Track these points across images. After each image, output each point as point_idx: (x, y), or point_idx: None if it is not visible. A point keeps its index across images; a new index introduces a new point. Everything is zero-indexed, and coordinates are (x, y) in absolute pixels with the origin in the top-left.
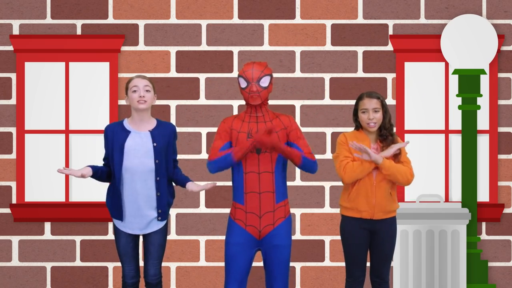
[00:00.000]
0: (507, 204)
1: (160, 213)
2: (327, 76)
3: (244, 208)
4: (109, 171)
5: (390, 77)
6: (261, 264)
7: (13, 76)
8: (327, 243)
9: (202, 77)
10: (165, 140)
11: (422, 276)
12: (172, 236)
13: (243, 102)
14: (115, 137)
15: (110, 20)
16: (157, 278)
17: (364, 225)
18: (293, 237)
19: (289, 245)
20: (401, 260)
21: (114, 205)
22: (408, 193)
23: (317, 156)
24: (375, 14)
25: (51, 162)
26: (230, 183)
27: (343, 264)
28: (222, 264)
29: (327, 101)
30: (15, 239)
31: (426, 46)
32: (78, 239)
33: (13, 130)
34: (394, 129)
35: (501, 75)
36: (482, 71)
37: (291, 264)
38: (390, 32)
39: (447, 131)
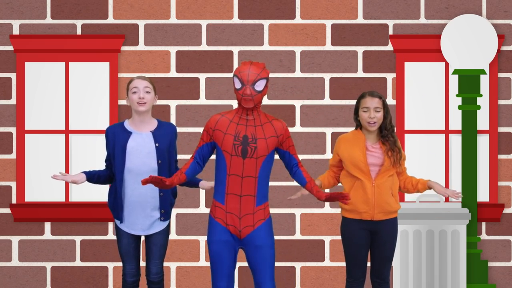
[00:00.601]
0: (507, 204)
1: (163, 213)
2: (327, 76)
3: (224, 208)
4: (109, 173)
5: (390, 77)
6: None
7: (13, 76)
8: (327, 243)
9: (202, 77)
10: (167, 140)
11: (422, 276)
12: (172, 236)
13: None
14: (116, 138)
15: (110, 20)
16: (159, 276)
17: (365, 226)
18: (293, 237)
19: (272, 245)
20: (401, 260)
21: (115, 206)
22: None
23: (317, 156)
24: (375, 14)
25: (51, 162)
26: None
27: (343, 264)
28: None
29: (327, 101)
30: (15, 239)
31: (426, 46)
32: (78, 239)
33: (13, 130)
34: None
35: (501, 75)
36: (482, 71)
37: (291, 264)
38: (390, 32)
39: (447, 131)
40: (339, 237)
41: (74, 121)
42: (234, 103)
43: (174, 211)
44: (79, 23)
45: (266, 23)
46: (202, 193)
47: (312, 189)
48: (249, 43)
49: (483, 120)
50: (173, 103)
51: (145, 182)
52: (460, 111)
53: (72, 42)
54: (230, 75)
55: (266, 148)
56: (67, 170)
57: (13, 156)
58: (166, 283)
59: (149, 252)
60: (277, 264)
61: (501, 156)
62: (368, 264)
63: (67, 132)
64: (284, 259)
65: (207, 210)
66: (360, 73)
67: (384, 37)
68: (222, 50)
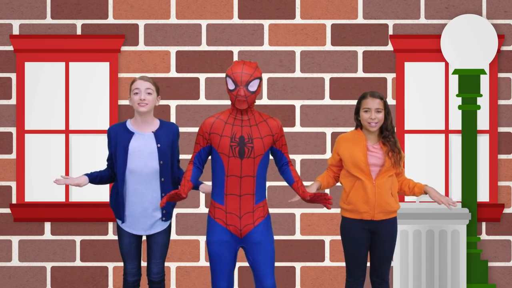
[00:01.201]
0: (507, 204)
1: (164, 213)
2: (327, 76)
3: (224, 209)
4: (111, 173)
5: (390, 77)
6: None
7: (13, 76)
8: (327, 243)
9: (202, 77)
10: (168, 141)
11: (422, 276)
12: (172, 236)
13: None
14: (118, 138)
15: (110, 20)
16: (160, 276)
17: (364, 226)
18: (293, 237)
19: (272, 241)
20: (401, 260)
21: (117, 206)
22: None
23: (317, 156)
24: (375, 14)
25: (51, 162)
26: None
27: (343, 264)
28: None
29: (327, 101)
30: (15, 239)
31: (426, 46)
32: (78, 239)
33: (13, 130)
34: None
35: (501, 75)
36: (482, 71)
37: (291, 264)
38: (390, 32)
39: (447, 131)
40: (339, 237)
41: (74, 121)
42: None
43: (174, 211)
44: (79, 23)
45: (266, 23)
46: (202, 193)
47: (299, 188)
48: (249, 43)
49: (483, 120)
50: (173, 103)
51: (163, 203)
52: (460, 111)
53: (72, 42)
54: None
55: (263, 147)
56: (67, 170)
57: (13, 156)
58: (166, 283)
59: (150, 251)
60: (277, 264)
61: (501, 156)
62: (368, 264)
63: (67, 132)
64: (284, 259)
65: (207, 210)
66: (360, 73)
67: (384, 37)
68: (222, 50)
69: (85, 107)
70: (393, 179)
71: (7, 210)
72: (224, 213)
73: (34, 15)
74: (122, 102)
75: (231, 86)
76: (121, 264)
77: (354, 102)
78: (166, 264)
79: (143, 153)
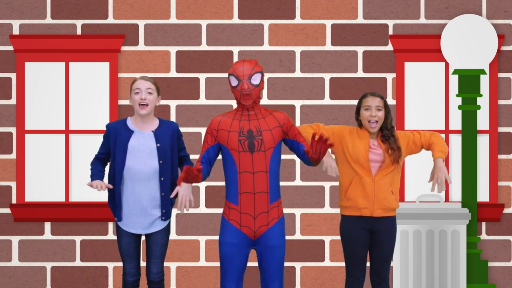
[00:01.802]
0: (507, 204)
1: (164, 212)
2: (327, 76)
3: (238, 209)
4: (104, 163)
5: (390, 77)
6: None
7: (13, 76)
8: (327, 243)
9: (202, 77)
10: (168, 139)
11: (422, 276)
12: (172, 236)
13: None
14: (118, 136)
15: (110, 20)
16: (160, 276)
17: (364, 224)
18: (293, 237)
19: (283, 245)
20: (401, 260)
21: (115, 205)
22: (408, 193)
23: None
24: (375, 14)
25: (51, 162)
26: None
27: (343, 264)
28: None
29: (327, 101)
30: (15, 239)
31: (426, 46)
32: (78, 239)
33: (13, 130)
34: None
35: (501, 75)
36: (482, 71)
37: (291, 264)
38: (390, 32)
39: (447, 131)
40: (339, 237)
41: (74, 121)
42: (234, 103)
43: (174, 211)
44: (79, 23)
45: (266, 23)
46: (202, 193)
47: (306, 153)
48: (249, 43)
49: (483, 120)
50: (173, 103)
51: (180, 182)
52: (460, 111)
53: (72, 42)
54: None
55: (272, 139)
56: (67, 170)
57: (13, 156)
58: (166, 283)
59: (150, 251)
60: None
61: (501, 156)
62: (368, 264)
63: (67, 132)
64: (284, 259)
65: (207, 210)
66: (360, 73)
67: (384, 37)
68: (222, 50)
69: (85, 107)
70: (393, 176)
71: (7, 210)
72: (239, 214)
73: (34, 15)
74: (122, 102)
75: (234, 82)
76: (121, 264)
77: (354, 102)
78: (166, 264)
79: (143, 152)
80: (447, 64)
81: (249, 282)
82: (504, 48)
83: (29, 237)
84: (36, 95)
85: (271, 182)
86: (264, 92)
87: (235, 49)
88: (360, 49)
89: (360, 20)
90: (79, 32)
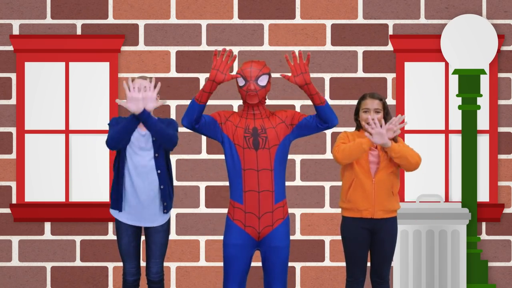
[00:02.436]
0: (507, 204)
1: (165, 205)
2: (327, 76)
3: (243, 208)
4: None
5: (390, 77)
6: (261, 264)
7: (13, 76)
8: (327, 243)
9: (202, 77)
10: None
11: (422, 276)
12: (172, 236)
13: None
14: None
15: (110, 20)
16: (159, 275)
17: (364, 225)
18: (293, 237)
19: (288, 246)
20: (401, 260)
21: (119, 194)
22: (408, 193)
23: (317, 156)
24: (375, 14)
25: (51, 162)
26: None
27: (343, 264)
28: (222, 264)
29: (327, 101)
30: (15, 239)
31: (426, 46)
32: (78, 239)
33: (13, 130)
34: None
35: (501, 75)
36: (482, 71)
37: (291, 264)
38: (390, 32)
39: (447, 131)
40: (339, 237)
41: (74, 121)
42: (234, 103)
43: (174, 211)
44: (79, 23)
45: (266, 23)
46: (202, 193)
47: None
48: (249, 43)
49: (483, 120)
50: (173, 103)
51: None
52: (460, 111)
53: (72, 42)
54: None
55: (277, 136)
56: (67, 170)
57: (13, 156)
58: (166, 283)
59: (149, 251)
60: None
61: (501, 156)
62: (368, 264)
63: (67, 132)
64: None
65: (207, 210)
66: (360, 73)
67: (384, 37)
68: None
69: (85, 107)
70: (394, 178)
71: (7, 210)
72: (243, 214)
73: (34, 15)
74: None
75: (241, 82)
76: (121, 264)
77: (354, 102)
78: (166, 264)
79: (141, 149)
80: (447, 64)
81: (251, 282)
82: (504, 48)
83: (29, 237)
84: (36, 95)
85: (276, 180)
86: None
87: (235, 49)
88: (360, 49)
89: (360, 20)
90: (79, 32)
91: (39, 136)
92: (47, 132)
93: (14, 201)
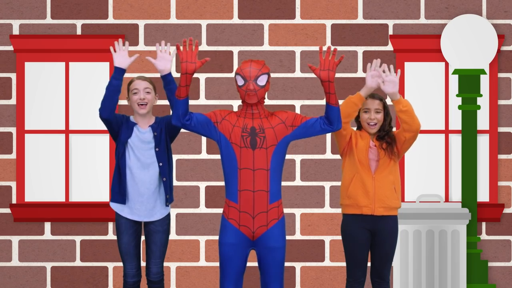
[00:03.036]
0: (507, 204)
1: (168, 198)
2: None
3: (237, 207)
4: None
5: None
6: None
7: (13, 76)
8: (327, 243)
9: (202, 77)
10: (162, 127)
11: (422, 276)
12: (172, 236)
13: None
14: (122, 128)
15: (110, 20)
16: (159, 276)
17: (365, 224)
18: (293, 237)
19: (284, 246)
20: (401, 260)
21: (121, 187)
22: (408, 193)
23: (317, 156)
24: (375, 14)
25: (51, 162)
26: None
27: (343, 264)
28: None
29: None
30: (15, 239)
31: (426, 46)
32: (78, 239)
33: (13, 130)
34: (394, 129)
35: (501, 75)
36: (482, 71)
37: (291, 264)
38: (390, 32)
39: (447, 131)
40: (339, 237)
41: (74, 121)
42: (234, 103)
43: (174, 211)
44: (79, 23)
45: (266, 23)
46: (202, 193)
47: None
48: (249, 43)
49: (483, 120)
50: None
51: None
52: (460, 111)
53: (72, 42)
54: (230, 75)
55: (275, 136)
56: (67, 170)
57: (13, 156)
58: (166, 283)
59: (149, 251)
60: None
61: (501, 156)
62: (368, 264)
63: (67, 132)
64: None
65: (207, 210)
66: (360, 73)
67: (384, 37)
68: (222, 50)
69: (85, 107)
70: (395, 174)
71: (7, 210)
72: (238, 213)
73: (34, 15)
74: (122, 102)
75: (240, 82)
76: (121, 264)
77: None
78: (166, 264)
79: (142, 148)
80: (447, 64)
81: (249, 282)
82: (504, 48)
83: (29, 237)
84: (36, 95)
85: (272, 181)
86: None
87: (235, 49)
88: (360, 49)
89: (360, 20)
90: (79, 32)
91: (39, 136)
92: (47, 132)
93: (14, 201)
